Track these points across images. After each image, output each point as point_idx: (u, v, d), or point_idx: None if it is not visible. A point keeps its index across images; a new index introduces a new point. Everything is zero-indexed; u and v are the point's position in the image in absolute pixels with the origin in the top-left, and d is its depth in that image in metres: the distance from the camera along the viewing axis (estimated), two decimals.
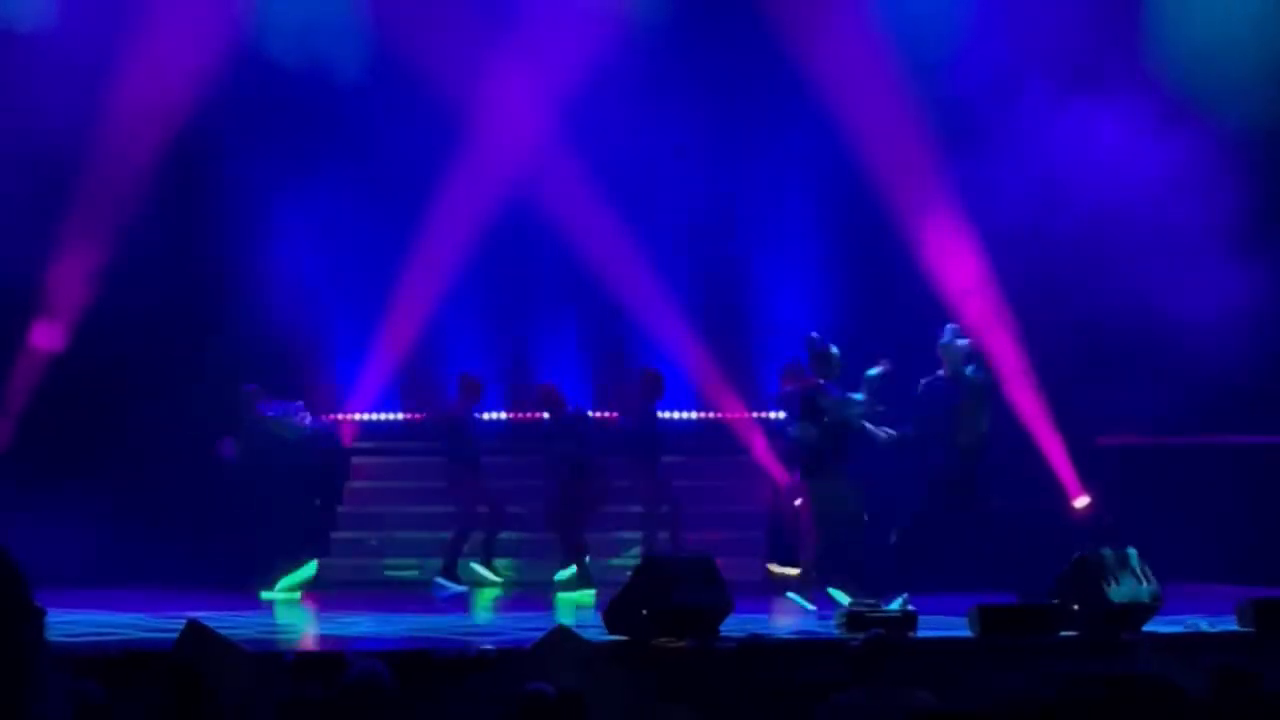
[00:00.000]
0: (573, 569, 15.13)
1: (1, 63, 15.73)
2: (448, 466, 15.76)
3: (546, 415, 15.61)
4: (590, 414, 15.92)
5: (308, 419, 15.28)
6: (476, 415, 16.02)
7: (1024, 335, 14.68)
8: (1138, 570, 11.75)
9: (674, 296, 16.60)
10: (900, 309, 16.04)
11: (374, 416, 17.24)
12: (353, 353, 16.80)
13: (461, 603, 14.73)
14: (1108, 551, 11.81)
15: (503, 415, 16.84)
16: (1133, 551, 11.85)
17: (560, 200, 16.38)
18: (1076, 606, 11.56)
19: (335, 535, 16.52)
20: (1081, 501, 15.38)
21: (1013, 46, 15.92)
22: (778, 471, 15.45)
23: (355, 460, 17.04)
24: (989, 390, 13.48)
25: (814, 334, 13.63)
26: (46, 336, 15.98)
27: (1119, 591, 11.63)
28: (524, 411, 16.85)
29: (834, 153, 16.09)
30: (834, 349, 13.38)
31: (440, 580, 15.33)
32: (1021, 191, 15.82)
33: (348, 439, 16.83)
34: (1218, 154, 15.66)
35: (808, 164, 16.22)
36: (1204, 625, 11.89)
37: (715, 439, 16.96)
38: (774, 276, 16.58)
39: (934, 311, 15.50)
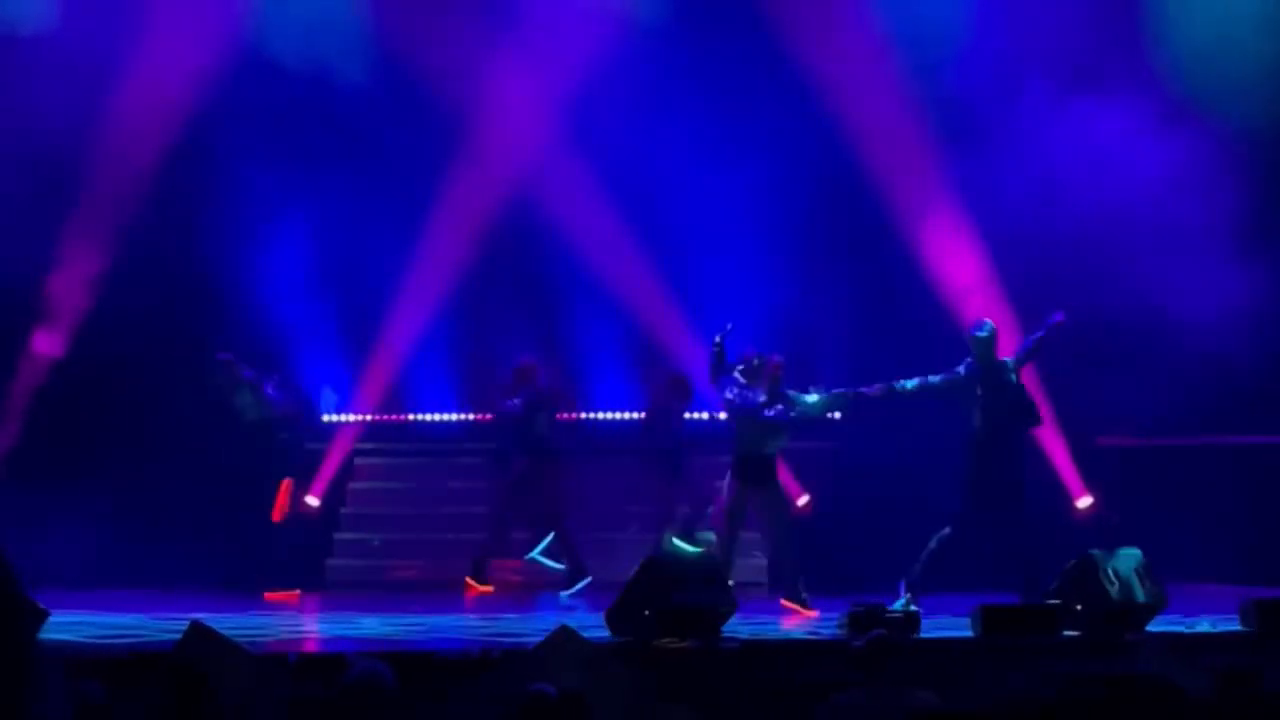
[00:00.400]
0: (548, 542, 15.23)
1: (3, 65, 15.74)
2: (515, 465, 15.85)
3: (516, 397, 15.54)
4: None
5: (273, 393, 15.17)
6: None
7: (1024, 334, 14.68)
8: (1139, 571, 11.75)
9: (674, 296, 16.61)
10: (901, 308, 16.06)
11: (374, 417, 17.24)
12: (354, 354, 16.80)
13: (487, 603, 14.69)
14: (1109, 552, 11.82)
15: None
16: (1134, 551, 11.86)
17: (562, 201, 16.39)
18: (1079, 606, 11.57)
19: (337, 536, 16.55)
20: (1084, 502, 15.38)
21: (1013, 46, 15.93)
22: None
23: (357, 461, 17.05)
24: (1015, 383, 13.29)
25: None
26: (47, 342, 15.98)
27: (1121, 593, 11.64)
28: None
29: (835, 152, 16.10)
30: (754, 360, 13.62)
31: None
32: (1021, 191, 15.81)
33: (346, 442, 16.82)
34: (1218, 154, 15.66)
35: (809, 163, 16.22)
36: (1205, 625, 11.89)
37: (716, 439, 16.94)
38: (775, 275, 16.57)
39: (934, 311, 15.55)
